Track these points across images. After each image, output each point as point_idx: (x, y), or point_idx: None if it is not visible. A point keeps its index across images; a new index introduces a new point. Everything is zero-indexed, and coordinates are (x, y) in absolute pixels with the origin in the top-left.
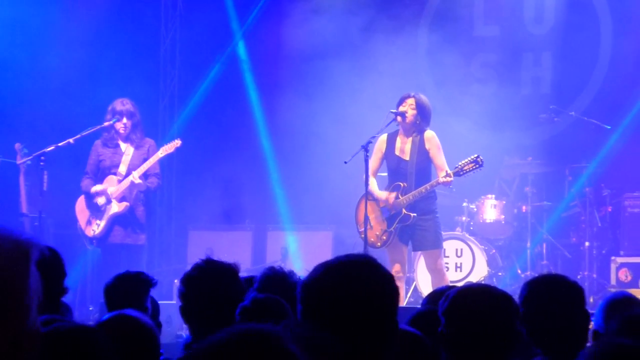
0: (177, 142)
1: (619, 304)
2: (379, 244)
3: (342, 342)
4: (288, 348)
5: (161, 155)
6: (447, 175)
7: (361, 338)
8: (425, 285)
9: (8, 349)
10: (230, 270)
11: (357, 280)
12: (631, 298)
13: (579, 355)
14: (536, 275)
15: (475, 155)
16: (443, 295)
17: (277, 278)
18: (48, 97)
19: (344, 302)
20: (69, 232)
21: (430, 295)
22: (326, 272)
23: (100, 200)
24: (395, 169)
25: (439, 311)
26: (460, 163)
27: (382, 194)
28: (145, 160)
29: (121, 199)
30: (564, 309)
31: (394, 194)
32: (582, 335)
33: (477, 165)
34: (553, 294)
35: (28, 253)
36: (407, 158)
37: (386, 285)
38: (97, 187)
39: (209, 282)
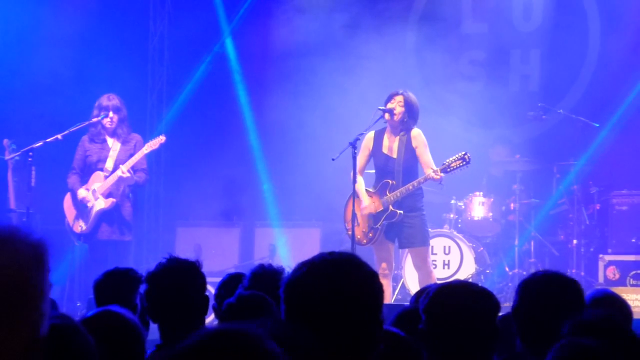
0: (162, 138)
1: (601, 301)
2: (364, 241)
3: (324, 342)
4: (268, 348)
5: (146, 152)
6: (435, 172)
7: (345, 336)
8: (413, 282)
9: (22, 354)
10: (192, 267)
11: (340, 279)
12: (612, 295)
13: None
14: (531, 272)
15: (463, 153)
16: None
17: (266, 275)
18: (36, 93)
19: (327, 301)
20: (57, 227)
21: (418, 293)
22: (309, 271)
23: (89, 202)
24: (382, 167)
25: (419, 308)
26: (447, 160)
27: (365, 200)
28: (131, 155)
29: (108, 195)
30: (561, 307)
31: (377, 202)
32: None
33: (465, 163)
34: (550, 292)
35: (43, 256)
36: (395, 156)
37: (370, 283)
38: (82, 193)
39: (171, 280)
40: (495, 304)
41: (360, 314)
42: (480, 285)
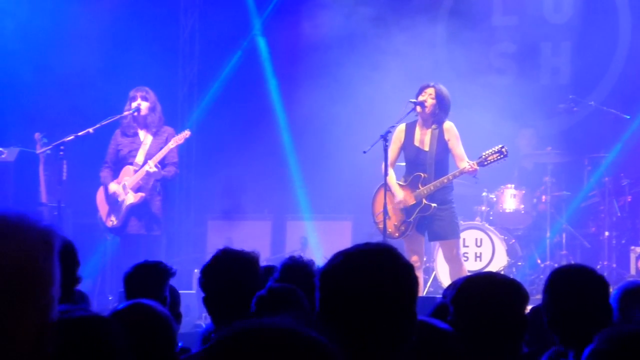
0: (187, 133)
1: (634, 293)
2: (397, 234)
3: (358, 332)
4: (321, 343)
5: (172, 146)
6: (471, 165)
7: (379, 327)
8: (445, 275)
9: (34, 341)
10: (248, 258)
11: (376, 269)
12: None
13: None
14: (560, 265)
15: (500, 146)
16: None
17: (297, 267)
18: (68, 87)
19: (363, 291)
20: (88, 221)
21: (449, 286)
22: (345, 260)
23: (120, 196)
24: (413, 160)
25: (447, 299)
26: (484, 153)
27: (399, 194)
28: (162, 149)
29: (137, 190)
30: (586, 301)
31: (410, 195)
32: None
33: (502, 156)
34: (577, 285)
35: (52, 242)
36: (427, 149)
37: (406, 274)
38: (112, 187)
39: (227, 271)
40: (522, 294)
41: (395, 305)
42: (508, 276)
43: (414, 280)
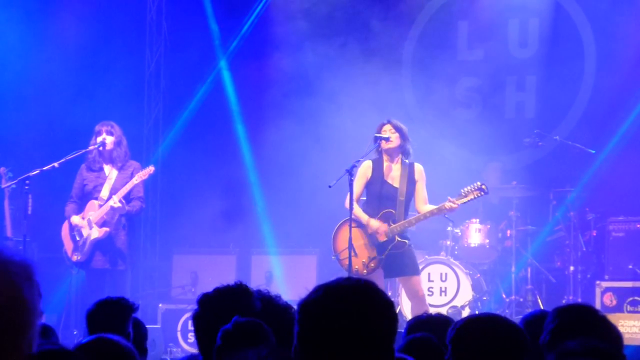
0: (151, 169)
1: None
2: (365, 271)
3: None
4: None
5: (136, 182)
6: (452, 201)
7: None
8: (409, 310)
9: None
10: (245, 290)
11: (357, 305)
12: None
13: None
14: (566, 304)
15: (479, 183)
16: (419, 323)
17: (262, 301)
18: (33, 120)
19: (344, 326)
20: (54, 255)
21: (410, 323)
22: (326, 294)
23: (84, 230)
24: (378, 194)
25: (446, 339)
26: (463, 190)
27: (374, 224)
28: (127, 184)
29: (102, 224)
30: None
31: (385, 225)
32: None
33: (483, 193)
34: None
35: (33, 275)
36: (397, 185)
37: (387, 311)
38: (74, 219)
39: (225, 302)
40: (525, 340)
41: (374, 342)
42: (510, 319)
43: (394, 317)
